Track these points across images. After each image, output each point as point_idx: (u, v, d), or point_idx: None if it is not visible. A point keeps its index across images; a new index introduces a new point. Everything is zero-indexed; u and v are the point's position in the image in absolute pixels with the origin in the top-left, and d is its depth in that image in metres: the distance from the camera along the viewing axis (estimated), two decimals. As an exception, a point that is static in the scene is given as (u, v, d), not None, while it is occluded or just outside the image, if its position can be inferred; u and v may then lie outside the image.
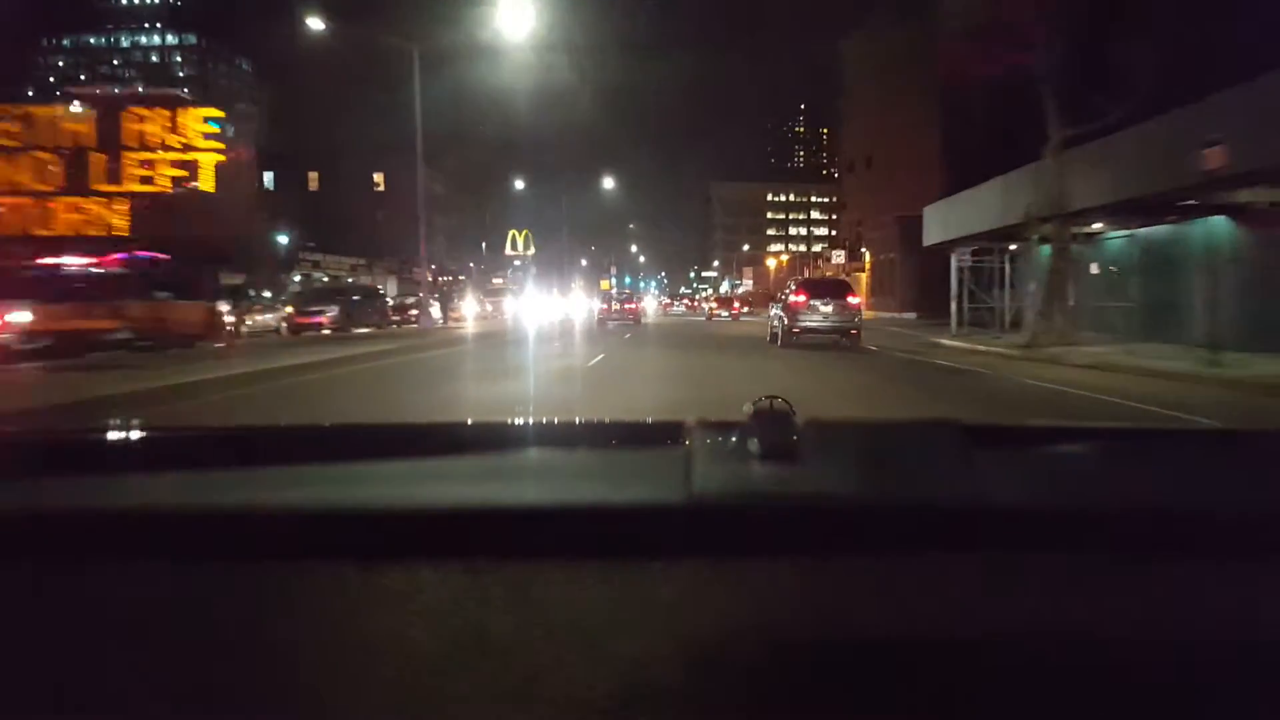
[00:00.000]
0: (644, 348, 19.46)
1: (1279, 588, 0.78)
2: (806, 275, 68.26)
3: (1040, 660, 0.68)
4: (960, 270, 22.51)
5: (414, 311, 31.84)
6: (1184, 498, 0.91)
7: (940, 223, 22.74)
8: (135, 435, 1.23)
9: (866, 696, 0.65)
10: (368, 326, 27.13)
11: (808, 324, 17.87)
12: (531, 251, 75.56)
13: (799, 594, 0.77)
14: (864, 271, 49.25)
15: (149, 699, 0.65)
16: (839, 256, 52.48)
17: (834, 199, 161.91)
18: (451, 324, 34.79)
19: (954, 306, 22.76)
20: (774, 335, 19.91)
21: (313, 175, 70.45)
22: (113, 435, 1.23)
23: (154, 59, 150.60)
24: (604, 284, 78.74)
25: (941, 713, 0.64)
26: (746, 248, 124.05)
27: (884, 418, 1.86)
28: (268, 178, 76.45)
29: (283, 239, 59.41)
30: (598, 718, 0.61)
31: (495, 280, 61.64)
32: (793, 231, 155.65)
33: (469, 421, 2.51)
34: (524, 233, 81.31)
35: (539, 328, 29.64)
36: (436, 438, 1.18)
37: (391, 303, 32.89)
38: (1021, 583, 0.78)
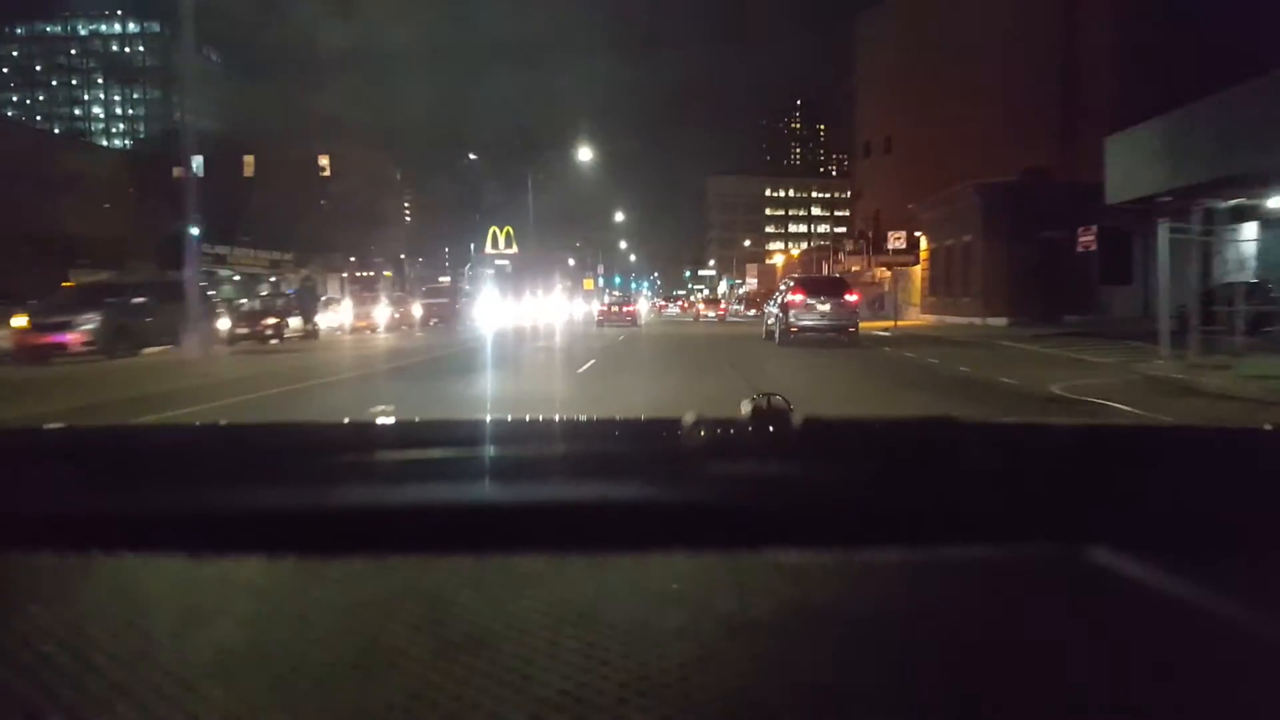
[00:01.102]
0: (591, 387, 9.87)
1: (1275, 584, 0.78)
2: (826, 271, 59.17)
3: (1039, 659, 0.67)
4: (1192, 246, 12.10)
5: (271, 320, 21.45)
6: (1188, 496, 0.89)
7: (1167, 156, 12.08)
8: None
9: (865, 695, 0.63)
10: (169, 343, 16.67)
11: (805, 322, 17.89)
12: (514, 250, 68.38)
13: (797, 590, 0.78)
14: (918, 264, 38.09)
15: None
16: (897, 241, 40.18)
17: (837, 194, 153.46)
18: (340, 336, 24.72)
19: (1176, 317, 12.30)
20: (770, 333, 19.92)
21: (248, 159, 60.25)
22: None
23: (115, 48, 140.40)
24: (587, 283, 71.06)
25: (942, 712, 0.62)
26: (748, 243, 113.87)
27: (882, 415, 1.85)
28: (196, 162, 66.02)
29: (193, 231, 49.15)
30: (596, 714, 0.59)
31: (442, 279, 51.29)
32: (793, 229, 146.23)
33: (467, 419, 2.44)
34: (505, 230, 73.39)
35: (456, 349, 19.57)
36: (434, 435, 1.20)
37: (254, 307, 22.17)
38: (1021, 579, 0.79)
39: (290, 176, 57.09)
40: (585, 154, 40.64)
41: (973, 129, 38.91)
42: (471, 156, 48.83)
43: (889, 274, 42.73)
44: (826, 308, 17.88)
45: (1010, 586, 0.78)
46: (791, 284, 19.74)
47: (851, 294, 18.98)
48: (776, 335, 18.76)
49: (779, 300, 19.58)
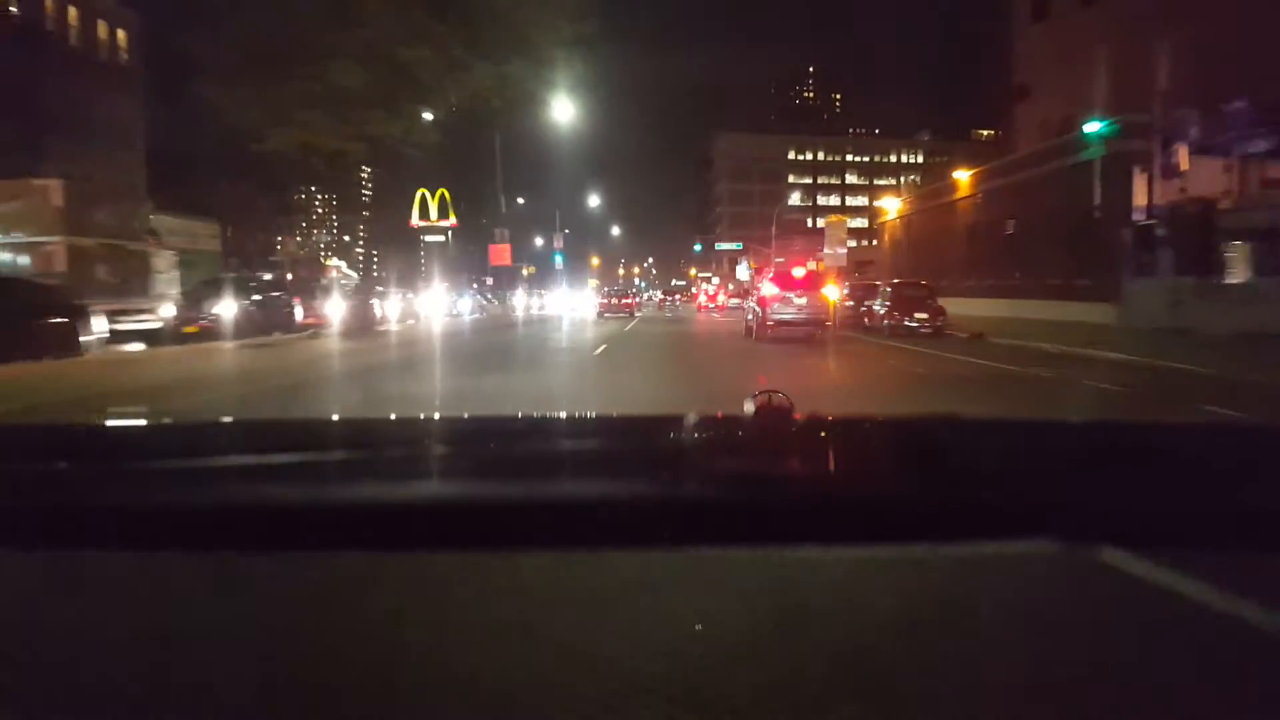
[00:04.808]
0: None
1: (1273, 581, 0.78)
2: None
3: (1044, 655, 0.67)
4: None
5: None
6: (1192, 494, 0.89)
7: None
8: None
9: (869, 690, 0.63)
10: None
11: (782, 317, 18.31)
12: (452, 220, 43.80)
13: (799, 585, 0.77)
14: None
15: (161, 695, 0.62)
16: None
17: (878, 158, 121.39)
18: None
19: None
20: (748, 329, 20.24)
21: None
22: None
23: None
24: (499, 252, 50.08)
25: (938, 707, 0.61)
26: (792, 201, 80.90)
27: (885, 413, 1.76)
28: None
29: None
30: (598, 711, 0.59)
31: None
32: (822, 200, 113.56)
33: (470, 416, 2.27)
34: (438, 193, 47.52)
35: None
36: (439, 432, 1.19)
37: None
38: (1026, 576, 0.80)
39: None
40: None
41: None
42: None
43: None
44: (803, 302, 18.22)
45: (1015, 583, 0.78)
46: (768, 279, 20.07)
47: (825, 287, 19.19)
48: (754, 331, 19.11)
49: (755, 296, 19.91)
